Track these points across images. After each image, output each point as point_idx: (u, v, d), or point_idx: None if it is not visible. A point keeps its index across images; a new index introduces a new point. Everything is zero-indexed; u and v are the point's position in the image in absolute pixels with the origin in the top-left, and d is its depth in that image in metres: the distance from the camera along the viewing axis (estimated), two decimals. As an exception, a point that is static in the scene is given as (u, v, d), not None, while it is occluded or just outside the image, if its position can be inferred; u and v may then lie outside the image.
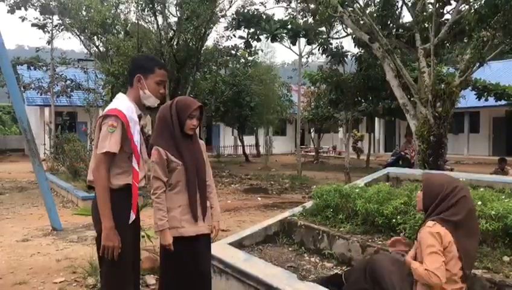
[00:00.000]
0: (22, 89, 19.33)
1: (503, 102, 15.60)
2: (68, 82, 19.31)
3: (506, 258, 3.12)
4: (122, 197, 2.65)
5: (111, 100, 2.85)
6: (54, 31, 18.38)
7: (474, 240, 2.75)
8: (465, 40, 9.12)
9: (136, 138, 2.70)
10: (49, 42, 18.63)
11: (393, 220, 3.78)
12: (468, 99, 15.06)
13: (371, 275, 2.98)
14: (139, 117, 2.79)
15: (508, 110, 19.09)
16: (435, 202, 2.75)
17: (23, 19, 17.60)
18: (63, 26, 18.10)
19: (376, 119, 25.70)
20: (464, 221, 2.68)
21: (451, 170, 10.22)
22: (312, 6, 11.54)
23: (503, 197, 3.95)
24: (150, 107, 2.88)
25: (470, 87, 13.23)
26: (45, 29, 18.34)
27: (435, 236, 2.61)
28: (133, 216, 2.72)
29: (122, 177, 2.66)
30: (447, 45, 9.90)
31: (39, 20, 18.05)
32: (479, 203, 3.54)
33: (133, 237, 2.76)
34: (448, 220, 2.66)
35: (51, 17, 18.09)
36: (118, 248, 2.55)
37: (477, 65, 8.08)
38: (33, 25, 18.03)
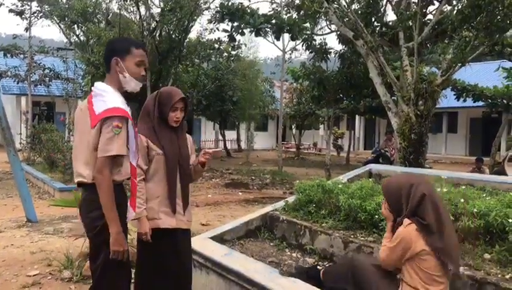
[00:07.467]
0: (-2, 76, 18.83)
1: (480, 103, 15.94)
2: (46, 71, 18.86)
3: (487, 256, 3.14)
4: (117, 193, 2.49)
5: (91, 91, 2.68)
6: (32, 18, 17.87)
7: (452, 239, 2.60)
8: (446, 41, 9.22)
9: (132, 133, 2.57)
10: (27, 29, 18.11)
11: (376, 216, 3.78)
12: (447, 99, 15.32)
13: (353, 278, 2.90)
14: None
15: (485, 111, 19.52)
16: (402, 204, 2.64)
17: (0, 4, 17.09)
18: (41, 13, 17.63)
19: (356, 117, 25.95)
20: (434, 224, 2.55)
21: (430, 168, 10.38)
22: (297, 1, 11.50)
23: (484, 195, 3.99)
24: (129, 96, 2.68)
25: (449, 88, 13.43)
26: (23, 16, 17.82)
27: (405, 237, 2.55)
28: (133, 214, 2.60)
29: (118, 175, 2.52)
30: (428, 45, 10.00)
31: (17, 6, 17.55)
32: (462, 200, 3.55)
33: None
34: (422, 224, 2.54)
35: (29, 3, 17.61)
36: (126, 251, 2.44)
37: (459, 65, 8.17)
38: (10, 10, 17.50)
